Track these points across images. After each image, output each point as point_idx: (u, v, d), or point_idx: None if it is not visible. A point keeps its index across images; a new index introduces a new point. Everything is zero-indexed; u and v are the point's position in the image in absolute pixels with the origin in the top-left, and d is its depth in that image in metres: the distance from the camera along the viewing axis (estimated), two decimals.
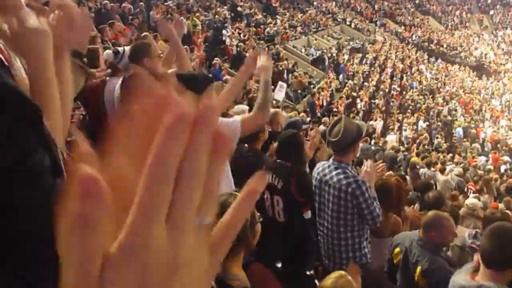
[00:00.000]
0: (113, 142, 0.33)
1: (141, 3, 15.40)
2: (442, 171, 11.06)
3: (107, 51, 4.26)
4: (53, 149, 0.98)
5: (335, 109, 17.86)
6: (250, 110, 3.95)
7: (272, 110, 5.26)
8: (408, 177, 8.70)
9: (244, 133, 2.74)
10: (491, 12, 45.34)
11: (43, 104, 1.08)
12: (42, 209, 0.74)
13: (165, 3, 17.57)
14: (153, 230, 0.30)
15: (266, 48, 19.29)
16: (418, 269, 3.12)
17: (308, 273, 3.76)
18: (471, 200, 5.54)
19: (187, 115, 0.31)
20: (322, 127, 10.11)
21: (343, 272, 2.46)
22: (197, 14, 18.26)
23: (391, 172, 7.65)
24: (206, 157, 0.32)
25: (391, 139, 14.96)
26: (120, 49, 4.08)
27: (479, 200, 8.39)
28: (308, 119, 12.69)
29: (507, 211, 6.86)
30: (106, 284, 0.30)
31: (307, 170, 4.01)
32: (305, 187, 3.49)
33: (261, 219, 2.07)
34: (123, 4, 14.26)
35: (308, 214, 3.43)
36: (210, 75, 4.34)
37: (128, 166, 0.33)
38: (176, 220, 0.31)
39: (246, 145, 4.00)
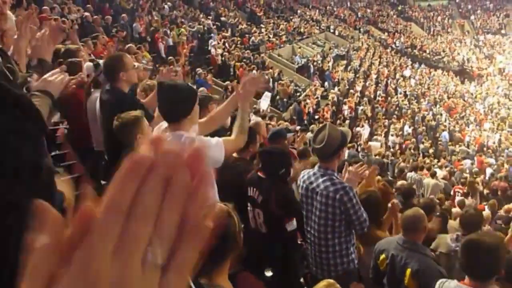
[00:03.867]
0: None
1: (124, 15, 15.36)
2: (433, 175, 11.12)
3: (88, 63, 4.26)
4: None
5: (321, 117, 17.96)
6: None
7: (253, 120, 5.26)
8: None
9: (225, 155, 2.75)
10: (472, 17, 46.09)
11: None
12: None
13: (149, 15, 17.57)
14: (97, 259, 0.32)
15: (251, 57, 19.38)
16: (408, 271, 3.12)
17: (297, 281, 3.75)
18: None
19: (142, 161, 0.34)
20: (309, 134, 10.15)
21: (331, 281, 2.45)
22: (181, 24, 18.29)
23: (379, 177, 7.68)
24: (157, 200, 0.34)
25: (375, 145, 15.04)
26: (100, 62, 4.08)
27: (464, 202, 8.48)
28: (298, 127, 12.76)
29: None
30: None
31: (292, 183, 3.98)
32: (284, 202, 3.45)
33: (242, 225, 2.06)
34: (106, 16, 14.22)
35: (290, 225, 3.41)
36: (194, 86, 4.32)
37: None
38: (122, 252, 0.33)
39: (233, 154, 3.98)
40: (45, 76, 2.07)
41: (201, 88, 9.96)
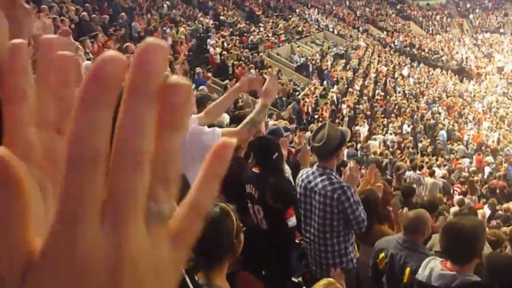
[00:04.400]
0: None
1: (123, 13, 15.33)
2: (432, 174, 11.12)
3: (86, 61, 4.27)
4: None
5: (320, 116, 17.96)
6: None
7: None
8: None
9: None
10: (471, 16, 46.11)
11: None
12: None
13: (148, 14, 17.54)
14: (80, 233, 0.23)
15: (250, 56, 19.36)
16: (407, 270, 3.10)
17: (295, 280, 3.74)
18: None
19: (114, 67, 0.23)
20: (308, 134, 10.14)
21: (331, 280, 2.45)
22: (181, 23, 18.25)
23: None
24: (151, 128, 0.24)
25: (374, 143, 15.03)
26: None
27: (464, 201, 8.48)
28: (295, 126, 12.74)
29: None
30: None
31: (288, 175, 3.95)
32: (280, 195, 3.41)
33: (244, 228, 2.05)
34: (104, 16, 14.18)
35: (292, 221, 3.40)
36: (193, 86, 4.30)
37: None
38: (115, 215, 0.24)
39: None
40: None
41: (202, 87, 9.97)
